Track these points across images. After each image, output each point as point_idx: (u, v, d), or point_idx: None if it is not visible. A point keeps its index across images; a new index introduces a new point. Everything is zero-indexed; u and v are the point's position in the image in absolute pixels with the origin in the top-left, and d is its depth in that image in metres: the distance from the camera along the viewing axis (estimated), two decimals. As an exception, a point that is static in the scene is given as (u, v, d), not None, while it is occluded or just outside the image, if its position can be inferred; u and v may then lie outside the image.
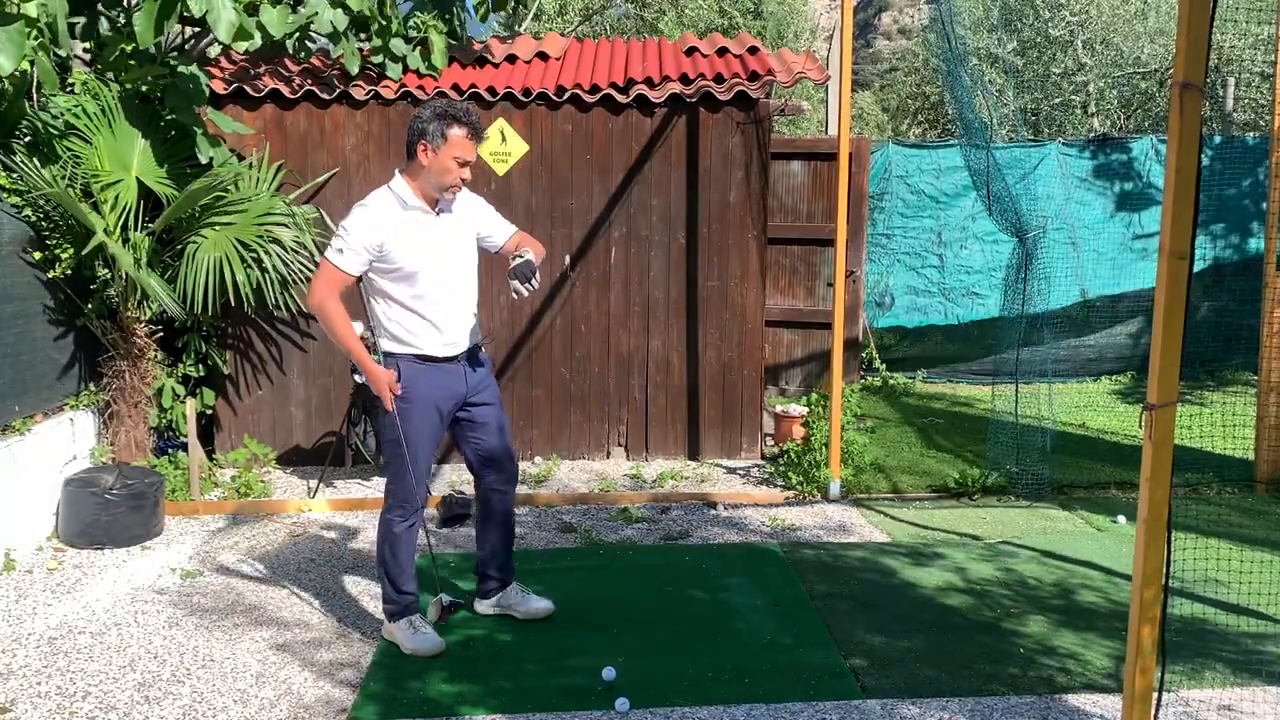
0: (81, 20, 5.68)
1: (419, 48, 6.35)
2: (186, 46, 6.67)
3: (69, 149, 5.42)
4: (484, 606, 4.15)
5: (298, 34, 6.03)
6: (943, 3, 6.00)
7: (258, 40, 5.73)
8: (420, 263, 3.64)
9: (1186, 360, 2.53)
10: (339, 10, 5.91)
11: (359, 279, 3.71)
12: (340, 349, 3.99)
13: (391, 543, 3.82)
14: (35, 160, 5.23)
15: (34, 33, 4.83)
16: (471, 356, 3.84)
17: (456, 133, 3.56)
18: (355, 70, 6.14)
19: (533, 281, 3.66)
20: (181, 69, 5.61)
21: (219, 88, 6.10)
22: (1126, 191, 9.16)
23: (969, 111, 6.06)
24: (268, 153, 6.23)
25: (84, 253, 5.30)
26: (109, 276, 5.52)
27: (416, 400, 3.72)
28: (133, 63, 5.62)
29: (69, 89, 5.66)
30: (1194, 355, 8.73)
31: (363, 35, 6.43)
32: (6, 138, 5.30)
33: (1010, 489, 5.89)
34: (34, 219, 5.30)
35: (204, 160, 5.80)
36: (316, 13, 5.84)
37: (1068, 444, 6.87)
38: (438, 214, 3.71)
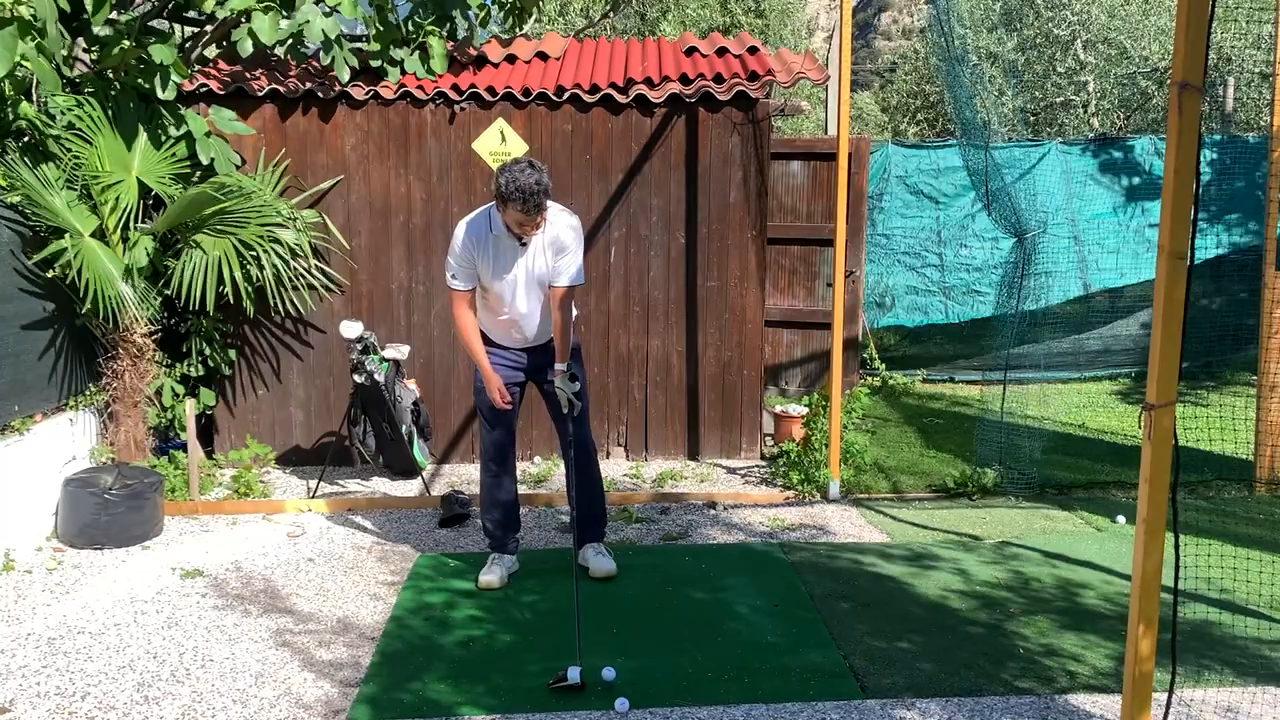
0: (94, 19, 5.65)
1: (418, 52, 6.34)
2: (186, 46, 6.66)
3: (69, 149, 5.42)
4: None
5: (290, 41, 6.00)
6: (941, 1, 6.00)
7: (249, 46, 5.73)
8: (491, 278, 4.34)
9: (1187, 359, 2.53)
10: (331, 19, 5.88)
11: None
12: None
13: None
14: (28, 159, 5.22)
15: (30, 35, 4.82)
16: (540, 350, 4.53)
17: (511, 208, 4.18)
18: (345, 79, 6.11)
19: (572, 400, 4.33)
20: (154, 50, 5.55)
21: (215, 88, 6.10)
22: (1131, 186, 9.17)
23: (968, 111, 6.05)
24: (263, 155, 6.23)
25: (42, 256, 5.23)
26: (81, 278, 5.35)
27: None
28: (126, 43, 5.56)
29: (70, 89, 5.65)
30: (1193, 354, 8.73)
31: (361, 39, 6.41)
32: (2, 138, 5.29)
33: (1009, 489, 5.88)
34: (33, 219, 5.29)
35: (205, 161, 5.79)
36: (308, 20, 5.82)
37: (1069, 444, 6.87)
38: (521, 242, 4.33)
